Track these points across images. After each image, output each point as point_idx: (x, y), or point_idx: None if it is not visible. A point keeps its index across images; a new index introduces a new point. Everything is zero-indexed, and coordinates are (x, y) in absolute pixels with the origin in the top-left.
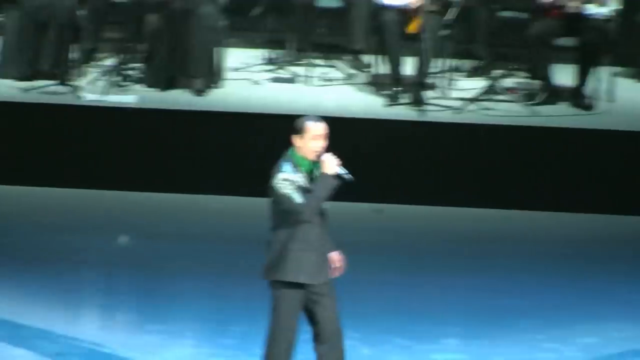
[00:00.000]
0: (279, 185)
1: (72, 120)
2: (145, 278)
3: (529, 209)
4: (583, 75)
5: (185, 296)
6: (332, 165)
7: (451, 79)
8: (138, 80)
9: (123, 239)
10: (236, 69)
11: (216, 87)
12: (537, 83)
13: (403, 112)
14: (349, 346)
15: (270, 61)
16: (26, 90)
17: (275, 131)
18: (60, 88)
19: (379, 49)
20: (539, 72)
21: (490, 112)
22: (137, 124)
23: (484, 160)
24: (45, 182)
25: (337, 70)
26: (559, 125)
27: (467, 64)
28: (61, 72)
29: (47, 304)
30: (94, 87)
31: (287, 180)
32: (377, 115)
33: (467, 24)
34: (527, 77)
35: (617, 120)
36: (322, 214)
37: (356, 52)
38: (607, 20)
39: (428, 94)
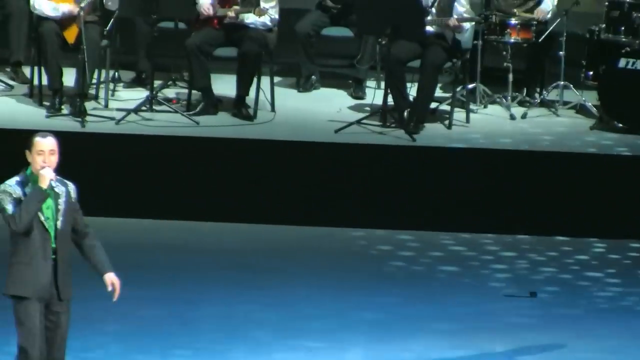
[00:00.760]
0: None
1: None
2: None
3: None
4: (244, 84)
5: None
6: (46, 178)
7: (112, 90)
8: None
9: None
10: None
11: None
12: (197, 93)
13: (64, 123)
14: None
15: None
16: None
17: None
18: None
19: (39, 60)
20: (199, 83)
21: (151, 123)
22: None
23: (145, 170)
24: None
25: None
26: (220, 136)
27: (128, 74)
28: None
29: None
30: None
31: (5, 192)
32: (39, 127)
33: (126, 35)
34: (187, 87)
35: (278, 129)
36: (84, 232)
37: (16, 64)
38: (267, 30)
39: (89, 104)
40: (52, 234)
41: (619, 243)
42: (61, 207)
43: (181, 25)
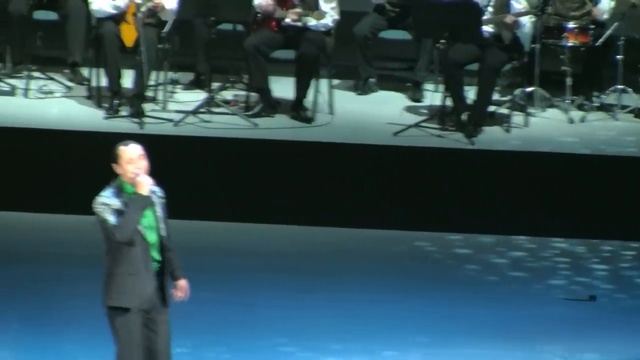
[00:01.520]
0: (98, 210)
1: None
2: None
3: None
4: (302, 87)
5: None
6: (145, 185)
7: (170, 92)
8: None
9: None
10: None
11: None
12: (255, 95)
13: (123, 124)
14: None
15: None
16: None
17: None
18: None
19: (98, 61)
20: (257, 83)
21: (209, 125)
22: None
23: (203, 172)
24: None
25: (56, 82)
26: (278, 138)
27: (186, 76)
28: None
29: None
30: None
31: (104, 204)
32: (98, 128)
33: (185, 37)
34: (245, 89)
35: (337, 132)
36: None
37: (74, 65)
38: (325, 33)
39: (147, 106)
40: (154, 241)
41: None
42: (159, 213)
43: (239, 27)
